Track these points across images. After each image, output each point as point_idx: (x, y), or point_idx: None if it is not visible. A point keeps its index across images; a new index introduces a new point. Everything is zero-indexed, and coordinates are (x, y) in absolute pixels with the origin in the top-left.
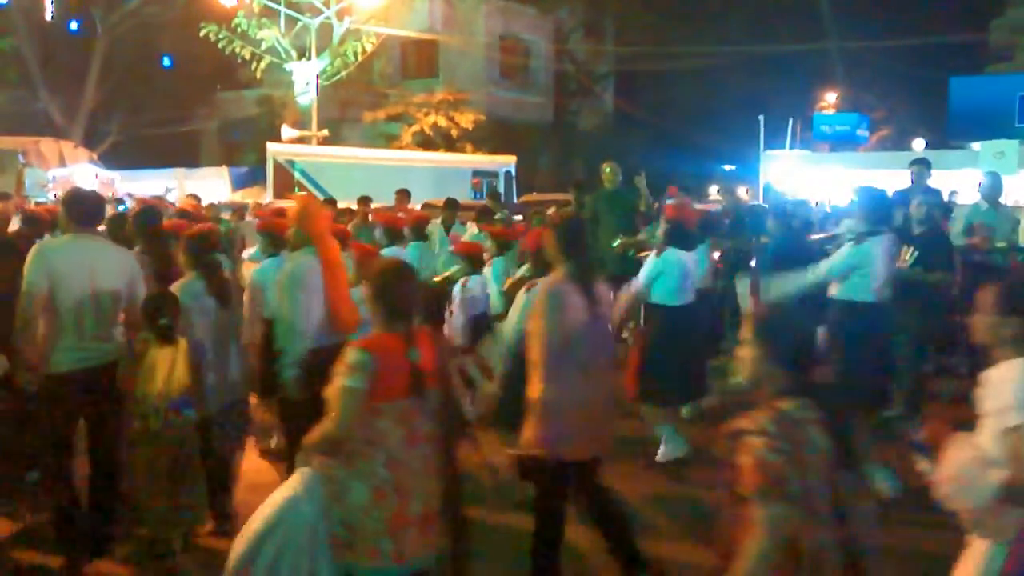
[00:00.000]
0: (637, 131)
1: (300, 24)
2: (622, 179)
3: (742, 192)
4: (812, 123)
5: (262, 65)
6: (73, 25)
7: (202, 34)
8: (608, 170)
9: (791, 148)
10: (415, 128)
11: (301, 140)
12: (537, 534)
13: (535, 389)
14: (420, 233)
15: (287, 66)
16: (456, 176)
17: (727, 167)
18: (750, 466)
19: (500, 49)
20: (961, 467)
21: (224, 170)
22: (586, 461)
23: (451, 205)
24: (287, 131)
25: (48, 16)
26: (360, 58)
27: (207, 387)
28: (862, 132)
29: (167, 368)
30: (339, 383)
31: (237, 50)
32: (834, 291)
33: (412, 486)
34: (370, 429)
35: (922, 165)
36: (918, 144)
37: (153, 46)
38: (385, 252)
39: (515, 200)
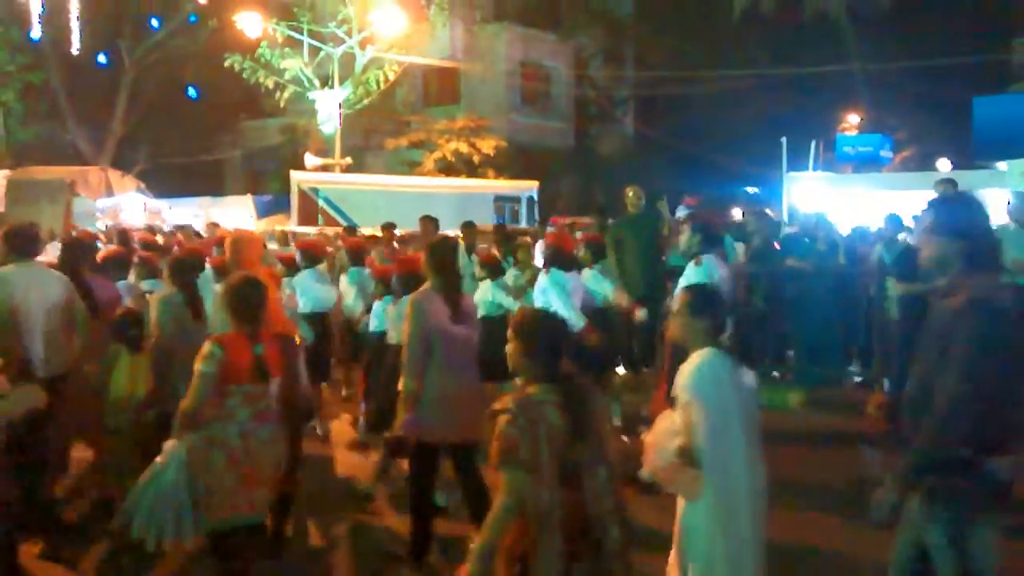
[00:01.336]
0: (658, 155)
1: (323, 53)
2: (645, 203)
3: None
4: (835, 144)
5: (286, 94)
6: (101, 58)
7: (226, 64)
8: (631, 194)
9: (814, 170)
10: (437, 155)
11: (325, 168)
12: (411, 500)
13: (404, 382)
14: None
15: (310, 95)
16: (478, 201)
17: (750, 189)
18: (495, 438)
19: (521, 76)
20: (658, 435)
21: (249, 198)
22: (457, 444)
23: (469, 226)
24: (310, 159)
25: (76, 49)
26: (382, 86)
27: (171, 389)
28: (885, 153)
29: (135, 373)
30: (196, 368)
31: (261, 80)
32: None
33: (261, 454)
34: (222, 407)
35: (949, 185)
36: (942, 164)
37: (178, 77)
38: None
39: (537, 225)
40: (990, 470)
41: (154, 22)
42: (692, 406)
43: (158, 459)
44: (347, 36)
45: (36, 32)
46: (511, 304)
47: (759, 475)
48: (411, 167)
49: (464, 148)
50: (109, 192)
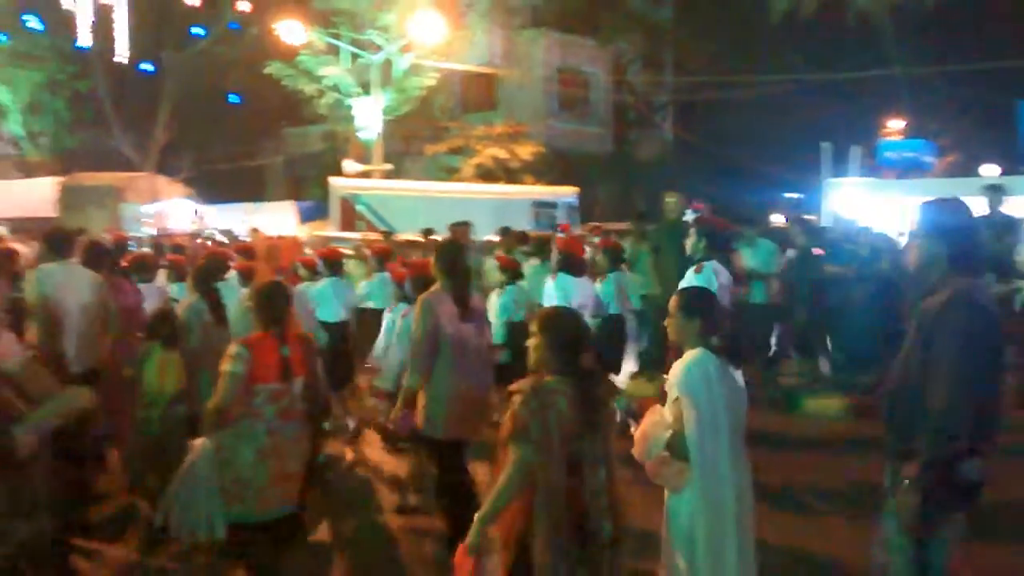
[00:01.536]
0: (697, 160)
1: (363, 61)
2: (684, 209)
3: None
4: (877, 150)
5: (326, 101)
6: (145, 66)
7: (268, 72)
8: (671, 200)
9: (856, 175)
10: (475, 161)
11: (364, 174)
12: (437, 496)
13: (406, 379)
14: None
15: (350, 102)
16: (517, 207)
17: (790, 195)
18: (508, 417)
19: (559, 81)
20: (647, 429)
21: (291, 204)
22: (462, 441)
23: (506, 232)
24: (350, 165)
25: (121, 58)
26: (422, 93)
27: (199, 387)
28: (929, 159)
29: (164, 369)
30: (224, 368)
31: (302, 87)
32: None
33: (287, 450)
34: (250, 405)
35: (997, 190)
36: (986, 170)
37: (221, 84)
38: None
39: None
40: (963, 470)
41: (197, 30)
42: (681, 402)
43: (189, 457)
44: (386, 43)
45: (84, 41)
46: (522, 309)
47: (743, 470)
48: (450, 173)
49: (502, 154)
50: (157, 198)
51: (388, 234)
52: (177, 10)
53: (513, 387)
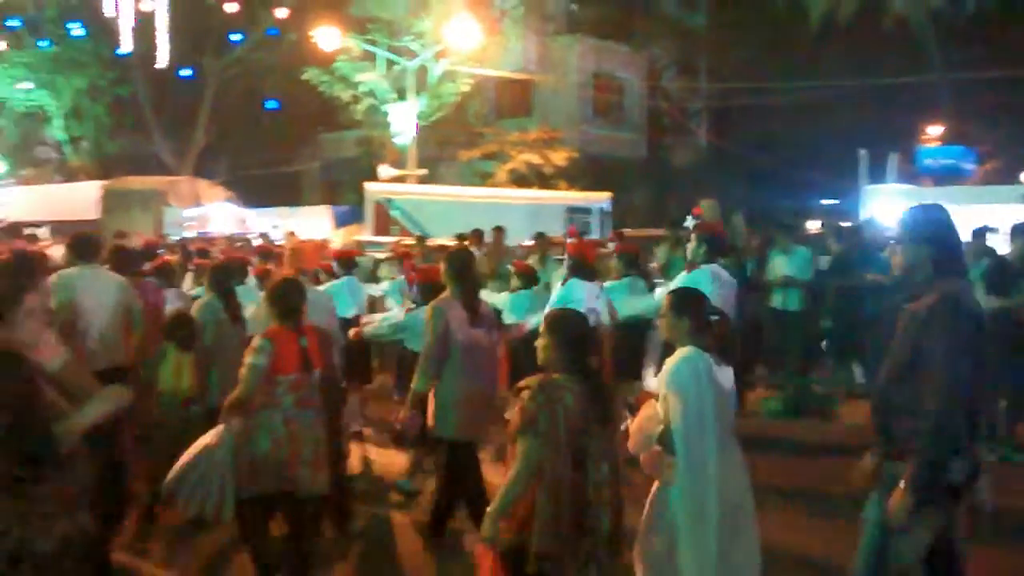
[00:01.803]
0: (732, 166)
1: (398, 67)
2: (720, 215)
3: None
4: (916, 156)
5: (361, 107)
6: (184, 71)
7: (304, 78)
8: (707, 207)
9: (893, 182)
10: (509, 166)
11: (399, 179)
12: (436, 489)
13: (415, 382)
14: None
15: (385, 108)
16: (550, 213)
17: (827, 202)
18: (516, 411)
19: (593, 87)
20: (641, 423)
21: (326, 209)
22: (474, 441)
23: (541, 237)
24: (385, 170)
25: (162, 64)
26: (456, 99)
27: (213, 386)
28: (968, 165)
29: (179, 369)
30: (247, 360)
31: (338, 93)
32: None
33: (303, 437)
34: (271, 395)
35: None
36: None
37: (258, 90)
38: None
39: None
40: (952, 471)
41: (235, 36)
42: (670, 398)
43: (204, 439)
44: (421, 49)
45: (126, 47)
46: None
47: (735, 465)
48: (483, 178)
49: (536, 159)
50: (198, 202)
51: (422, 239)
52: (216, 16)
53: (521, 383)
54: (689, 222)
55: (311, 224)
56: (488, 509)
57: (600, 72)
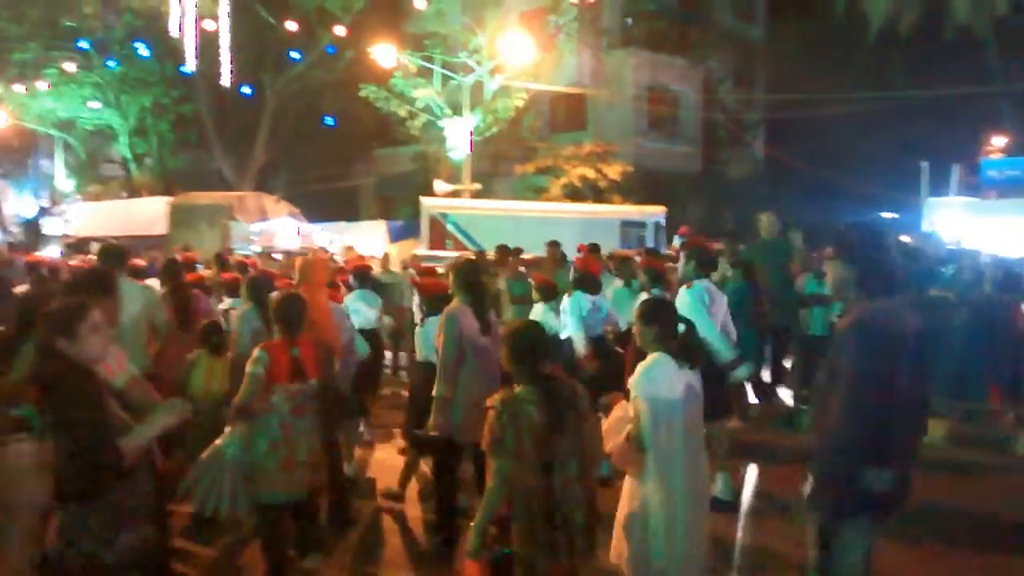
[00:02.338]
0: (789, 179)
1: (454, 83)
2: (778, 229)
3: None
4: (979, 169)
5: (417, 123)
6: (245, 89)
7: (361, 94)
8: (765, 220)
9: (956, 195)
10: (564, 180)
11: (454, 194)
12: (437, 492)
13: (437, 388)
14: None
15: (441, 123)
16: (604, 226)
17: (887, 215)
18: (486, 430)
19: (648, 100)
20: (612, 423)
21: (382, 223)
22: (476, 443)
23: (595, 249)
24: (440, 185)
25: (224, 81)
26: (511, 114)
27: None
28: None
29: (211, 374)
30: (247, 369)
31: (394, 109)
32: None
33: (298, 441)
34: (267, 402)
35: None
36: None
37: (316, 107)
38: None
39: (664, 251)
40: (865, 480)
41: (295, 54)
42: (639, 401)
43: (218, 441)
44: (477, 65)
45: (189, 66)
46: (558, 327)
47: (698, 463)
48: (538, 193)
49: (591, 174)
50: (263, 216)
51: (478, 253)
52: (276, 35)
53: (488, 401)
54: (677, 241)
55: (367, 238)
56: (471, 524)
57: (655, 85)
